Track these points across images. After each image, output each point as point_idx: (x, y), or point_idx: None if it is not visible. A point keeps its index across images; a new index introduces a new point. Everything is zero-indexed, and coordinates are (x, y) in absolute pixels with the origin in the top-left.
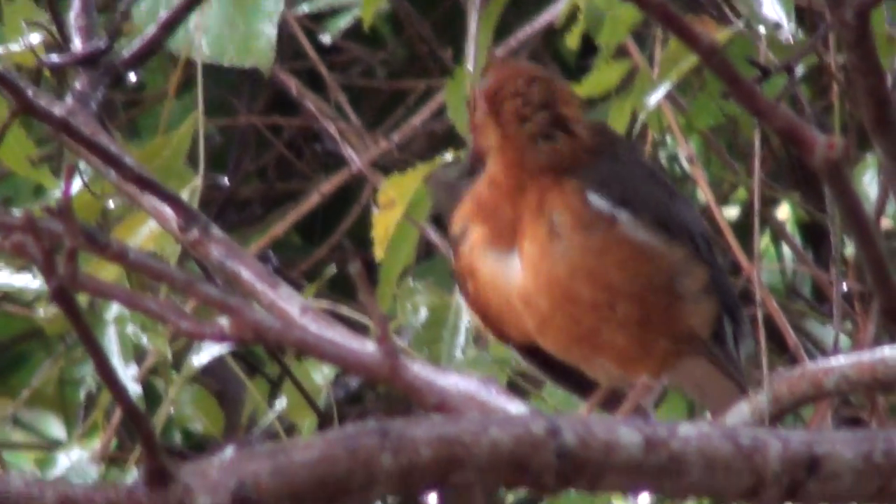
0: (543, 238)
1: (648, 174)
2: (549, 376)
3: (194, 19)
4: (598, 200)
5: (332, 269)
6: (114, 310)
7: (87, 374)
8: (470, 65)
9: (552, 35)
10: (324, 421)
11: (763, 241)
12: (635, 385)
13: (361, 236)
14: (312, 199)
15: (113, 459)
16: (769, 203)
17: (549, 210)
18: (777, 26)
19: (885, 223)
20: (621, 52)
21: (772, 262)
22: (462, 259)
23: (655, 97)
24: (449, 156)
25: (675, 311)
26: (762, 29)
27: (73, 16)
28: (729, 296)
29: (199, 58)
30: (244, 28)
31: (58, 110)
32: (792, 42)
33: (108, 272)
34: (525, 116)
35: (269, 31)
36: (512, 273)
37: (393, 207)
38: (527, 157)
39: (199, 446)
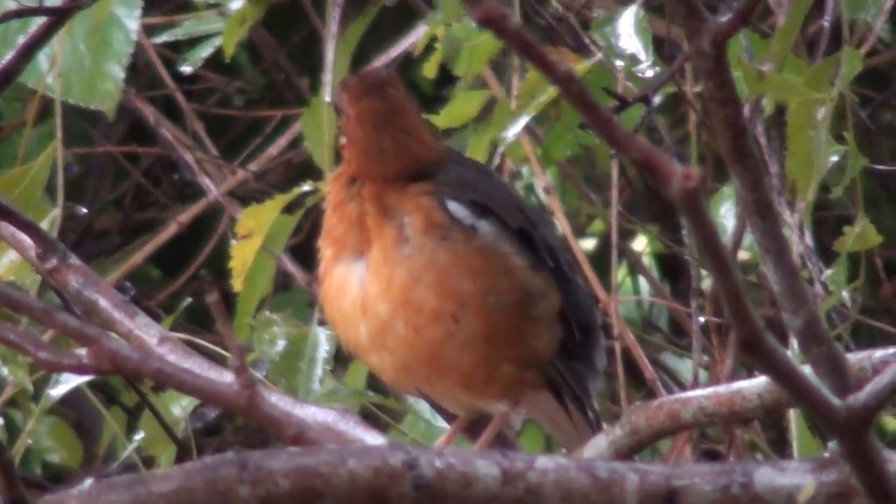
0: (391, 241)
1: (498, 183)
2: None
3: (48, 51)
4: (457, 209)
5: (189, 300)
6: None
7: None
8: (327, 94)
9: (410, 64)
10: (182, 452)
11: (620, 274)
12: (495, 414)
13: (219, 267)
14: (170, 230)
15: None
16: (626, 235)
17: (400, 214)
18: (634, 59)
19: (743, 255)
20: (479, 83)
21: (629, 295)
22: (320, 278)
23: (514, 130)
24: (307, 186)
25: (522, 333)
26: (619, 63)
27: None
28: (586, 316)
29: (54, 91)
30: (92, 67)
31: None
32: (650, 75)
33: None
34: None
35: (117, 72)
36: (355, 281)
37: (251, 238)
38: (371, 158)
39: (57, 477)
